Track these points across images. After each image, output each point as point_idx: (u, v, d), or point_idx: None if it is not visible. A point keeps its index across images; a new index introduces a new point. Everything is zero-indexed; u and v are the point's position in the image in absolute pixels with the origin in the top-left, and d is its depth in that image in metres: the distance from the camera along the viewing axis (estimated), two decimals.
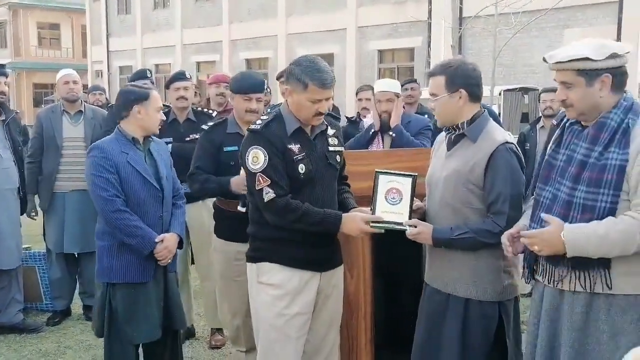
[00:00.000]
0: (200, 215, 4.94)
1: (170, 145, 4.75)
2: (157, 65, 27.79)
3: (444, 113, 2.85)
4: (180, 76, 5.03)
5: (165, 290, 3.54)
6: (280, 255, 2.99)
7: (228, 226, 3.87)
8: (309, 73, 2.86)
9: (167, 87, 5.00)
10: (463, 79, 2.82)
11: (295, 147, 2.94)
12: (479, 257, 2.80)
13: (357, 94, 5.92)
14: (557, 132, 2.65)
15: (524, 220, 2.67)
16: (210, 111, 5.19)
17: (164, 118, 3.55)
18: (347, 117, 6.09)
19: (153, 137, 3.59)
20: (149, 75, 5.67)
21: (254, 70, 3.91)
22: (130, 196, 3.38)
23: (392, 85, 4.85)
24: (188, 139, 4.86)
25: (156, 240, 3.41)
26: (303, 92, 2.88)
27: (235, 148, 3.60)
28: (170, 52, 26.64)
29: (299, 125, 2.98)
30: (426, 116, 5.84)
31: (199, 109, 5.23)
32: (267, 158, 2.88)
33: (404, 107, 6.20)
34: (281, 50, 22.24)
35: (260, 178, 2.89)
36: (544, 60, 2.52)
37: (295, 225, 2.89)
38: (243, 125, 3.78)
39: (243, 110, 3.83)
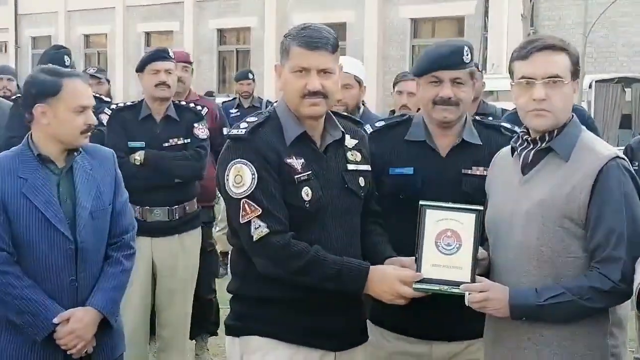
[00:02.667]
0: (171, 254, 5.05)
1: (142, 152, 4.87)
2: (87, 36, 27.92)
3: (565, 109, 2.84)
4: (162, 54, 5.13)
5: None
6: (274, 326, 2.98)
7: (401, 310, 3.09)
8: (293, 34, 3.00)
9: (140, 69, 5.09)
10: (578, 67, 2.87)
11: (297, 163, 2.96)
12: (576, 333, 2.78)
13: (395, 84, 5.92)
14: None
15: None
16: (198, 107, 5.31)
17: (93, 122, 3.36)
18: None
19: (86, 145, 3.41)
20: (67, 61, 5.69)
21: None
22: (24, 247, 3.21)
23: (351, 65, 4.75)
24: (167, 144, 4.99)
25: (55, 320, 3.21)
26: (287, 62, 2.98)
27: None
28: (107, 16, 26.77)
29: (303, 130, 3.00)
30: (490, 118, 5.81)
31: (181, 102, 5.34)
32: (256, 177, 2.89)
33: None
34: (270, 18, 22.33)
35: (245, 206, 2.89)
36: None
37: (297, 278, 2.89)
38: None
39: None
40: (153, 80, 4.99)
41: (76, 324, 3.23)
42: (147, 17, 25.87)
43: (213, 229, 6.54)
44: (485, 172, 3.21)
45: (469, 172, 3.25)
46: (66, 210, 3.27)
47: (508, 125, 3.46)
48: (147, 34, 26.23)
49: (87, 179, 3.35)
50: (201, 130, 5.10)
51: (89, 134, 3.35)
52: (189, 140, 5.04)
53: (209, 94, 14.96)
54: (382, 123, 3.47)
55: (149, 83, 5.02)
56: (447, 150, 3.28)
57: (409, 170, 3.27)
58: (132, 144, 4.81)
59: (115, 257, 3.42)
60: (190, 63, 6.16)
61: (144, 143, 4.90)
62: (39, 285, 3.22)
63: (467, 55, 3.22)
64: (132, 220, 3.58)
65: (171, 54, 5.23)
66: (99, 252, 3.38)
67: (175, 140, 5.00)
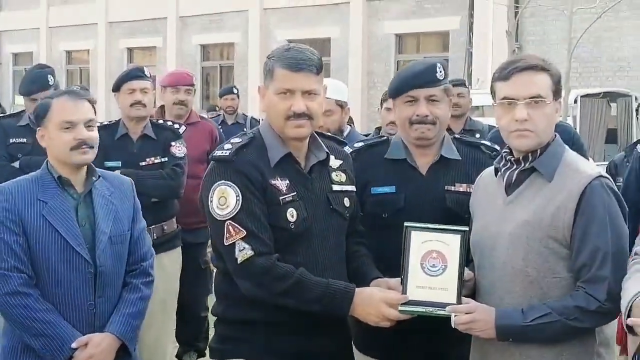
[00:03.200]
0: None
1: (118, 172, 4.83)
2: (69, 53, 27.85)
3: (547, 129, 2.87)
4: (137, 74, 5.17)
5: None
6: (259, 349, 2.98)
7: (388, 335, 3.14)
8: (277, 56, 3.00)
9: (116, 89, 5.14)
10: (560, 87, 2.90)
11: (281, 184, 2.98)
12: (563, 354, 2.79)
13: (383, 101, 5.90)
14: None
15: (636, 286, 2.63)
16: (176, 125, 5.33)
17: (84, 137, 3.28)
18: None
19: (104, 172, 3.47)
20: (50, 81, 5.69)
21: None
22: (43, 270, 3.20)
23: (333, 90, 4.71)
24: (144, 163, 5.01)
25: (74, 345, 3.18)
26: (271, 83, 2.99)
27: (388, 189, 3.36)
28: (89, 32, 26.72)
29: (287, 151, 3.01)
30: (477, 135, 5.84)
31: (159, 120, 5.37)
32: (241, 198, 2.90)
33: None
34: (254, 33, 22.35)
35: (230, 227, 2.90)
36: None
37: (282, 301, 2.89)
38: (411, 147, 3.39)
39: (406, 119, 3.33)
40: (129, 99, 5.04)
41: (94, 349, 3.22)
42: (129, 33, 25.83)
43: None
44: (468, 188, 3.24)
45: (452, 188, 3.28)
46: (85, 234, 3.27)
47: (488, 144, 3.50)
48: (130, 50, 26.18)
49: (106, 204, 3.36)
50: (178, 149, 5.11)
51: (86, 149, 3.29)
52: (166, 158, 5.05)
53: (212, 108, 14.90)
54: (361, 144, 3.50)
55: (124, 102, 5.06)
56: (427, 168, 3.30)
57: (391, 189, 3.30)
58: (108, 163, 4.79)
59: (134, 284, 3.42)
60: (193, 85, 6.15)
61: (120, 162, 4.89)
62: (57, 309, 3.21)
63: (441, 72, 3.25)
64: (150, 248, 3.58)
65: (147, 72, 5.26)
66: (118, 277, 3.37)
67: (152, 159, 5.03)
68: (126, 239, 3.40)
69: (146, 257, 3.51)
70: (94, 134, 3.35)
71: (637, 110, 6.87)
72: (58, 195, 3.27)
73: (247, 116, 10.49)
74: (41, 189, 3.26)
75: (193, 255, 5.52)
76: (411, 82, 3.24)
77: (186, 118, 5.92)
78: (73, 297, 3.24)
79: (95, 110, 3.44)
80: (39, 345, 3.17)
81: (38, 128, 3.36)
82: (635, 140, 6.78)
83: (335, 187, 3.11)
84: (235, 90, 10.37)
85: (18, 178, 3.39)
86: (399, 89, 3.29)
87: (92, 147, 3.32)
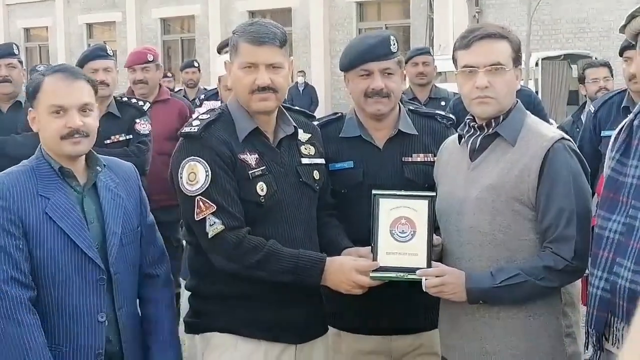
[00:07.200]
0: None
1: None
2: (27, 30, 27.49)
3: (508, 95, 2.90)
4: (99, 53, 5.12)
5: None
6: (234, 321, 3.01)
7: (358, 307, 3.20)
8: (240, 31, 3.02)
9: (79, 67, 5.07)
10: (519, 54, 2.93)
11: (250, 158, 2.99)
12: (530, 314, 2.84)
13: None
14: (620, 133, 2.69)
15: None
16: (140, 102, 5.30)
17: (76, 125, 2.79)
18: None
19: (106, 158, 2.99)
20: (15, 51, 5.63)
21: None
22: (47, 277, 2.73)
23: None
24: (109, 141, 4.96)
25: None
26: (236, 58, 3.01)
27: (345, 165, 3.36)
28: (47, 9, 26.40)
29: (255, 125, 3.03)
30: (443, 103, 5.89)
31: (123, 98, 5.34)
32: (210, 174, 2.92)
33: (410, 90, 6.26)
34: (213, 5, 22.20)
35: (200, 203, 2.92)
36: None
37: (254, 273, 2.92)
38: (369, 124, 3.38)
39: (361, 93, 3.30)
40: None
41: None
42: (88, 9, 25.54)
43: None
44: (425, 157, 3.28)
45: (410, 159, 3.30)
46: (94, 234, 2.83)
47: (442, 113, 3.55)
48: (89, 25, 25.92)
49: (113, 199, 2.91)
50: (143, 126, 5.10)
51: (78, 138, 2.79)
52: (130, 136, 5.05)
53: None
54: (315, 123, 3.48)
55: None
56: (384, 142, 3.31)
57: (349, 164, 3.31)
58: None
59: (157, 281, 3.08)
60: (151, 62, 5.97)
61: None
62: (64, 323, 2.75)
63: (394, 44, 3.25)
64: (163, 248, 3.16)
65: (109, 51, 5.24)
66: (131, 285, 2.96)
67: (117, 137, 5.01)
68: (137, 237, 2.97)
69: (162, 260, 3.10)
70: (90, 120, 2.83)
71: (584, 69, 6.92)
72: (60, 190, 2.79)
73: (207, 90, 10.44)
74: (40, 183, 2.77)
75: (165, 234, 5.51)
76: (365, 55, 3.23)
77: (156, 95, 5.91)
78: (83, 308, 2.78)
79: (96, 90, 2.93)
80: None
81: (30, 109, 2.89)
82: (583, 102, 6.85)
83: (305, 160, 3.13)
84: (196, 64, 10.30)
85: (9, 170, 2.86)
86: (352, 63, 3.28)
87: (87, 136, 2.82)
